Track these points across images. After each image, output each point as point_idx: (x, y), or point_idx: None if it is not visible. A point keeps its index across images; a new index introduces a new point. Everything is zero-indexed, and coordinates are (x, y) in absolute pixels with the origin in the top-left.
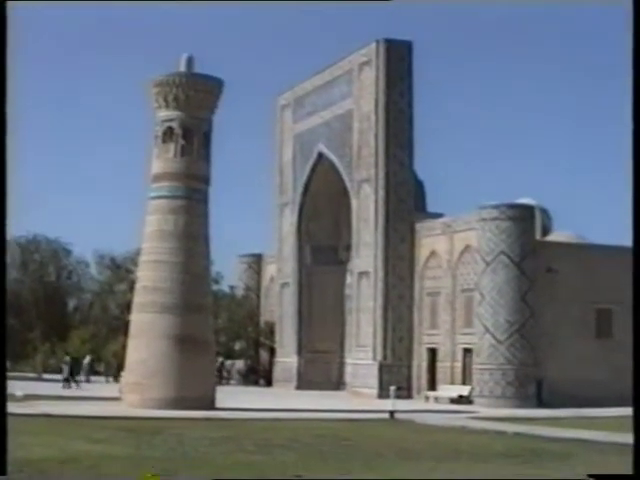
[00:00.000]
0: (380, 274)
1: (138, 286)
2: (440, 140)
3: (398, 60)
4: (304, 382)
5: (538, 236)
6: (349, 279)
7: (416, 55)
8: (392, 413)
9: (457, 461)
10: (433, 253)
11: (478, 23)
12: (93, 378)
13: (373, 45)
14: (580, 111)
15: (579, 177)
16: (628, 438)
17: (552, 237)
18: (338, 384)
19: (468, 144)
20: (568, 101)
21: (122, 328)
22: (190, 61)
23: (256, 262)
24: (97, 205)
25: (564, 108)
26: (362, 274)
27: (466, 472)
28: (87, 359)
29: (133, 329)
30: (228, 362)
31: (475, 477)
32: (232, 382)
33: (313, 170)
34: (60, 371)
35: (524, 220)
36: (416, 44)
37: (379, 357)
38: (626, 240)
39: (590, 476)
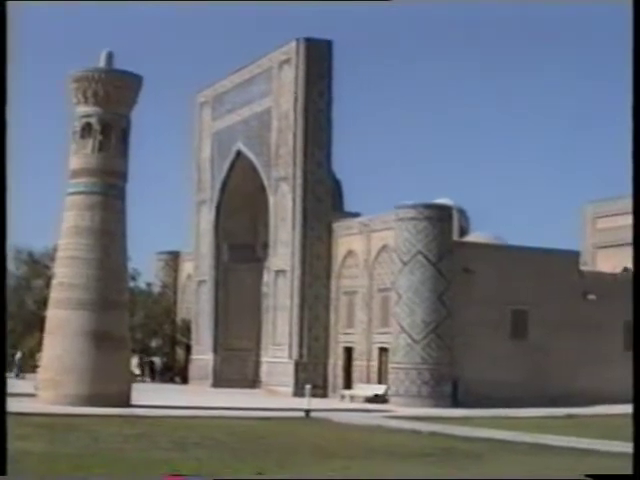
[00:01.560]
0: (297, 273)
1: (54, 282)
2: (359, 140)
3: (318, 59)
4: (220, 380)
5: (455, 236)
6: (266, 277)
7: (341, 55)
8: (307, 411)
9: (372, 460)
10: (350, 252)
11: (406, 25)
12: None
13: (293, 43)
14: (498, 112)
15: (497, 178)
16: (540, 438)
17: (469, 238)
18: (254, 382)
19: (388, 144)
20: (487, 101)
21: (39, 324)
22: (110, 57)
23: (173, 259)
24: (17, 198)
25: (483, 109)
26: (279, 272)
27: (380, 471)
28: (18, 354)
29: (49, 325)
30: (148, 359)
31: (390, 476)
32: (147, 379)
33: (231, 168)
34: None
35: (441, 220)
36: (343, 44)
37: (295, 355)
38: (541, 242)
39: (590, 476)
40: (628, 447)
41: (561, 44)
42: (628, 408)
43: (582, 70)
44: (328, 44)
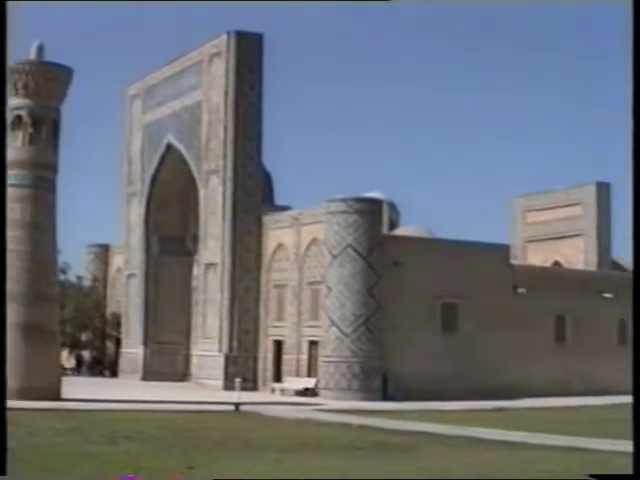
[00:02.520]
0: (227, 266)
1: None
2: (290, 134)
3: (249, 52)
4: (150, 373)
5: (386, 230)
6: (196, 271)
7: (273, 48)
8: (237, 405)
9: (302, 453)
10: (280, 246)
11: (340, 20)
12: None
13: (224, 36)
14: (428, 105)
15: (428, 172)
16: (472, 432)
17: (400, 231)
18: (184, 375)
19: (319, 138)
20: (418, 94)
21: None
22: (40, 49)
23: (103, 252)
24: None
25: (413, 102)
26: (209, 266)
27: (311, 464)
28: None
29: None
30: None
31: (320, 468)
32: (76, 373)
33: (161, 161)
34: None
35: (372, 214)
36: (276, 38)
37: (225, 349)
38: (473, 236)
39: (590, 476)
40: (558, 440)
41: (501, 40)
42: (557, 401)
43: (511, 64)
44: (259, 37)
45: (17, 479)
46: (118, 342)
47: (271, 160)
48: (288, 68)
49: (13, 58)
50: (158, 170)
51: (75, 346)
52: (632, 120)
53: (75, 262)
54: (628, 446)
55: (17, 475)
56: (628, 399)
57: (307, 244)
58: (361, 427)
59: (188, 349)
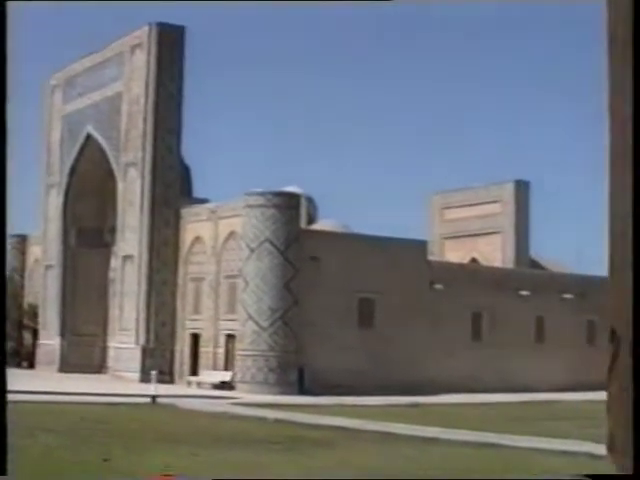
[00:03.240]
0: (144, 258)
1: None
2: (210, 128)
3: (170, 44)
4: (67, 365)
5: (303, 224)
6: (114, 262)
7: (197, 42)
8: (154, 397)
9: (218, 447)
10: (198, 239)
11: (265, 16)
12: None
13: (146, 28)
14: (351, 101)
15: (347, 168)
16: (388, 427)
17: (317, 226)
18: (101, 367)
19: (238, 133)
20: (339, 90)
21: None
22: None
23: (21, 243)
24: None
25: (335, 97)
26: (127, 258)
27: (227, 458)
28: None
29: None
30: None
31: (235, 462)
32: None
33: (81, 152)
34: None
35: (290, 208)
36: (199, 31)
37: (142, 341)
38: (392, 232)
39: (590, 476)
40: (472, 436)
41: (422, 36)
42: (472, 397)
43: (432, 60)
44: (180, 30)
45: (17, 479)
46: (35, 333)
47: (190, 153)
48: (210, 62)
49: None
50: (77, 161)
51: None
52: (632, 120)
53: None
54: (543, 443)
55: (17, 475)
56: (544, 396)
57: (225, 237)
58: (277, 421)
59: (105, 341)
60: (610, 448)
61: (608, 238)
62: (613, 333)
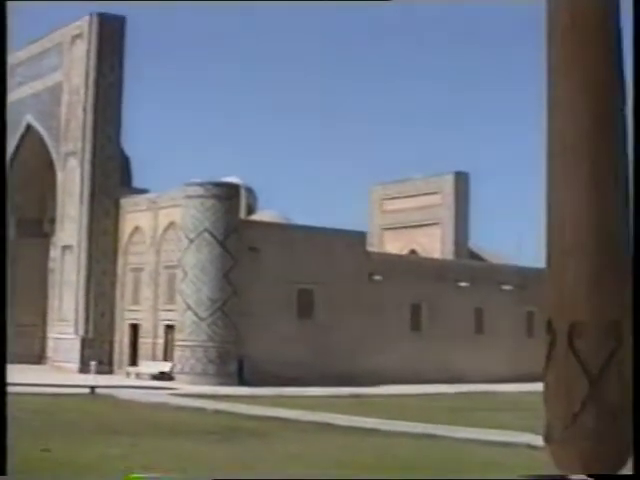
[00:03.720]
0: (83, 248)
1: None
2: (151, 117)
3: (110, 34)
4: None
5: (243, 215)
6: (53, 253)
7: (139, 33)
8: (93, 388)
9: (157, 437)
10: (137, 229)
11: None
12: None
13: (86, 18)
14: (293, 95)
15: (287, 159)
16: (326, 418)
17: (257, 217)
18: (40, 358)
19: (180, 123)
20: (279, 83)
21: None
22: None
23: None
24: None
25: (273, 91)
26: (66, 248)
27: (166, 448)
28: None
29: None
30: None
31: (174, 452)
32: None
33: (21, 141)
34: None
35: (229, 198)
36: (145, 22)
37: (81, 332)
38: (333, 223)
39: (590, 476)
40: (411, 427)
41: (364, 27)
42: (412, 388)
43: (373, 51)
44: (121, 20)
45: (17, 479)
46: None
47: (130, 143)
48: (151, 52)
49: None
50: (17, 151)
51: None
52: (632, 120)
53: None
54: (482, 434)
55: (17, 475)
56: (483, 387)
57: (164, 228)
58: (216, 412)
59: (44, 331)
60: (547, 439)
61: (546, 229)
62: (550, 324)
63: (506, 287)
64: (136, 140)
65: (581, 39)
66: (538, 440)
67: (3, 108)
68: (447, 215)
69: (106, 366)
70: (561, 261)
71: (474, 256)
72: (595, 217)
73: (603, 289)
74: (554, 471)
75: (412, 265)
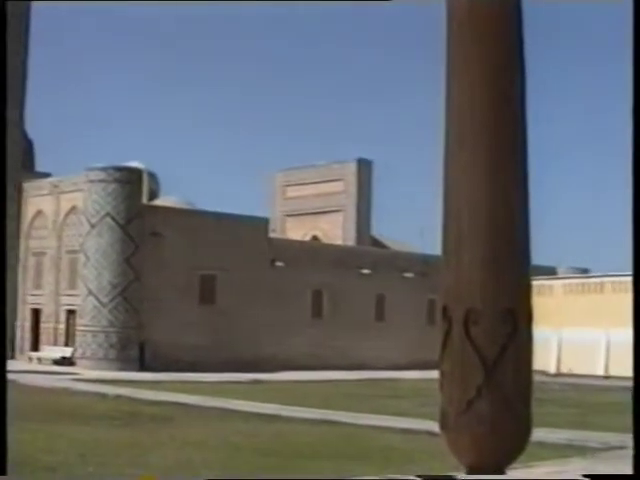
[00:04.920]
0: None
1: None
2: (55, 101)
3: (14, 17)
4: None
5: (145, 200)
6: None
7: (45, 14)
8: None
9: (58, 422)
10: (39, 213)
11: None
12: None
13: None
14: (197, 80)
15: (191, 144)
16: (228, 403)
17: (159, 202)
18: None
19: (84, 107)
20: (190, 71)
21: None
22: None
23: None
24: None
25: (184, 78)
26: None
27: (66, 433)
28: None
29: None
30: None
31: (75, 437)
32: None
33: None
34: None
35: (131, 183)
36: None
37: None
38: (237, 209)
39: (589, 476)
40: (312, 413)
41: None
42: (313, 375)
43: (276, 43)
44: (27, 2)
45: (17, 479)
46: None
47: (33, 126)
48: (57, 36)
49: None
50: None
51: None
52: (632, 120)
53: None
54: (382, 421)
55: (17, 475)
56: (384, 374)
57: (66, 212)
58: (117, 397)
59: None
60: (442, 426)
61: (442, 219)
62: (445, 311)
63: (408, 274)
64: (41, 123)
65: (480, 31)
66: (437, 427)
67: (3, 108)
68: (349, 202)
69: (8, 351)
70: (456, 249)
71: (377, 243)
72: (492, 206)
73: (499, 276)
74: (451, 458)
75: (314, 252)
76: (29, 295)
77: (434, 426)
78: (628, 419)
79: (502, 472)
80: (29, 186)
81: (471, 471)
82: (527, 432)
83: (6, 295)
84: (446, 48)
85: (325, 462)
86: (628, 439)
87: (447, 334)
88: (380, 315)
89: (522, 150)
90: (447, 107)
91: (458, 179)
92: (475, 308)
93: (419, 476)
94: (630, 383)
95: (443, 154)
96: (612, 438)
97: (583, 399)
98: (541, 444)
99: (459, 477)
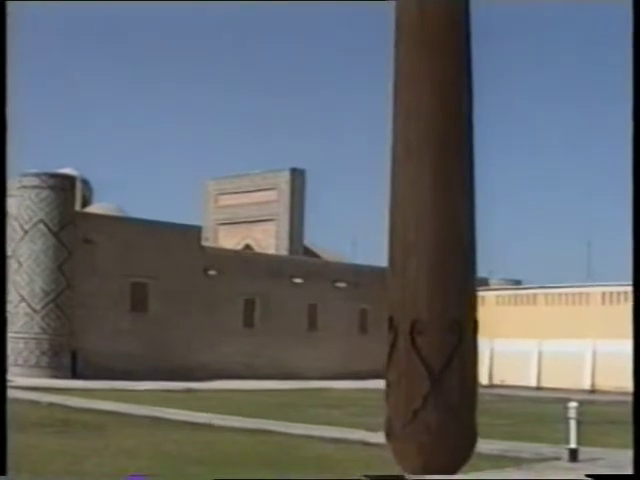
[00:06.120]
0: None
1: None
2: None
3: None
4: None
5: (78, 207)
6: None
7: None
8: None
9: None
10: None
11: None
12: None
13: None
14: (138, 89)
15: (124, 151)
16: (160, 412)
17: (92, 209)
18: None
19: (21, 111)
20: (129, 79)
21: None
22: None
23: None
24: None
25: (124, 86)
26: None
27: None
28: None
29: None
30: None
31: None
32: None
33: None
34: None
35: (64, 190)
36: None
37: None
38: (169, 217)
39: (589, 476)
40: (245, 422)
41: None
42: (246, 384)
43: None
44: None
45: (17, 479)
46: None
47: None
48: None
49: None
50: None
51: None
52: (632, 120)
53: None
54: (315, 430)
55: (17, 475)
56: (316, 384)
57: None
58: (50, 405)
59: None
60: (388, 435)
61: (388, 228)
62: (391, 321)
63: (340, 284)
64: None
65: (429, 41)
66: (370, 437)
67: (3, 108)
68: (282, 211)
69: None
70: (403, 259)
71: (309, 253)
72: (439, 218)
73: (445, 287)
74: (394, 467)
75: (247, 260)
76: None
77: (367, 436)
78: (560, 430)
79: None
80: None
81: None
82: (473, 441)
83: (6, 297)
84: (394, 55)
85: (258, 471)
86: (561, 450)
87: (393, 345)
88: (313, 324)
89: (470, 164)
90: (394, 116)
91: (405, 193)
92: (421, 319)
93: (366, 476)
94: (562, 395)
95: (390, 164)
96: (545, 449)
97: (515, 410)
98: (477, 454)
99: (408, 477)
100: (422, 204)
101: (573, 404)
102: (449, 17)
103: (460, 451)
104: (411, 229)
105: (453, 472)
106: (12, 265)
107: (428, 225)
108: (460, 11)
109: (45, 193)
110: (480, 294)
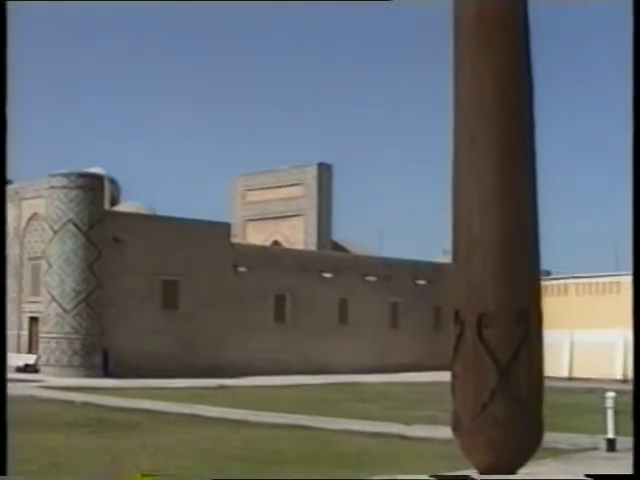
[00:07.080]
0: None
1: None
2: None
3: None
4: None
5: (107, 206)
6: None
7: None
8: None
9: (28, 430)
10: None
11: None
12: None
13: None
14: (162, 87)
15: (154, 150)
16: (195, 409)
17: (121, 207)
18: None
19: (49, 113)
20: (153, 76)
21: None
22: None
23: None
24: None
25: (147, 83)
26: None
27: (36, 441)
28: None
29: None
30: None
31: (46, 445)
32: None
33: None
34: None
35: (93, 189)
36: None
37: None
38: (197, 214)
39: (590, 476)
40: (281, 418)
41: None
42: (277, 379)
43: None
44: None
45: (17, 479)
46: None
47: None
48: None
49: None
50: None
51: None
52: (632, 120)
53: None
54: (351, 425)
55: (17, 475)
56: (347, 378)
57: (28, 219)
58: (84, 404)
59: None
60: (455, 429)
61: (452, 229)
62: (457, 315)
63: (370, 278)
64: None
65: (487, 37)
66: (407, 430)
67: (3, 108)
68: (310, 206)
69: None
70: (468, 252)
71: (337, 247)
72: (503, 209)
73: (511, 279)
74: (462, 460)
75: (276, 256)
76: None
77: (403, 429)
78: (595, 421)
79: (514, 473)
80: None
81: (484, 473)
82: (540, 434)
83: (5, 299)
84: (453, 51)
85: (297, 468)
86: (599, 440)
87: (459, 338)
88: (343, 319)
89: (532, 154)
90: (456, 109)
91: (469, 185)
92: (488, 311)
93: (433, 476)
94: (594, 385)
95: (452, 161)
96: (582, 439)
97: (549, 400)
98: None
99: (473, 477)
100: (487, 195)
101: (611, 394)
102: (508, 14)
103: (528, 444)
104: (476, 221)
105: (520, 465)
106: (43, 266)
107: (494, 216)
108: (518, 5)
109: (74, 193)
110: None
